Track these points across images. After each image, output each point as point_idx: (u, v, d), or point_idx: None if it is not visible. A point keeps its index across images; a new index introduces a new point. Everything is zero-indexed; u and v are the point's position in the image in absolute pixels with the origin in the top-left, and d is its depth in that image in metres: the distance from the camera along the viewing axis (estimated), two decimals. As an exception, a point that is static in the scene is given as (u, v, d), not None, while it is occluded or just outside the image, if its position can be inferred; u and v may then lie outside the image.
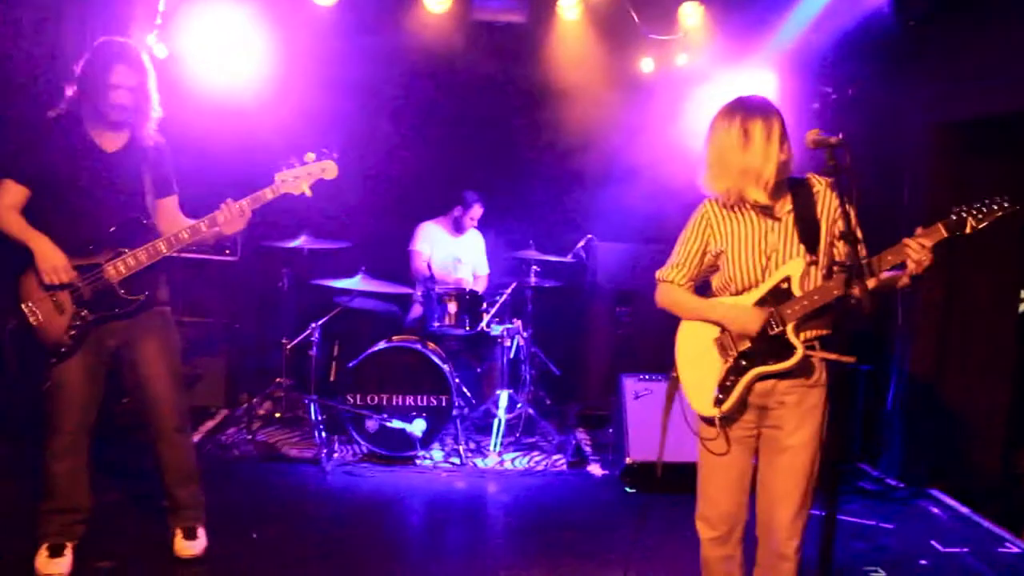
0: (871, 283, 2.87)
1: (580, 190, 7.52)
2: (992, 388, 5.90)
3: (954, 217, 2.86)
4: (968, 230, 2.86)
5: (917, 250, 2.83)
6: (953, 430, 5.84)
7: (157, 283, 3.90)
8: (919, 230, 2.89)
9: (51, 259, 3.61)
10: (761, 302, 3.05)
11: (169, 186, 3.97)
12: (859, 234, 2.95)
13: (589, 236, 6.88)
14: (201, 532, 4.12)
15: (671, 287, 3.26)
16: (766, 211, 3.06)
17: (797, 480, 3.04)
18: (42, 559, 3.76)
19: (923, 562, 4.61)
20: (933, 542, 4.85)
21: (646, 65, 6.99)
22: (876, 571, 4.36)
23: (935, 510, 5.47)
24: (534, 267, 6.55)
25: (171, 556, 4.06)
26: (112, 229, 3.72)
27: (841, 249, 2.90)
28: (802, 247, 3.02)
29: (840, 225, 2.89)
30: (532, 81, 7.16)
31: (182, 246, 3.80)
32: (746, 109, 2.99)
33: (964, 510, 5.40)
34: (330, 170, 3.97)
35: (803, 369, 3.02)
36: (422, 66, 7.18)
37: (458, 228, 6.96)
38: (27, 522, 3.84)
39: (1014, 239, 5.62)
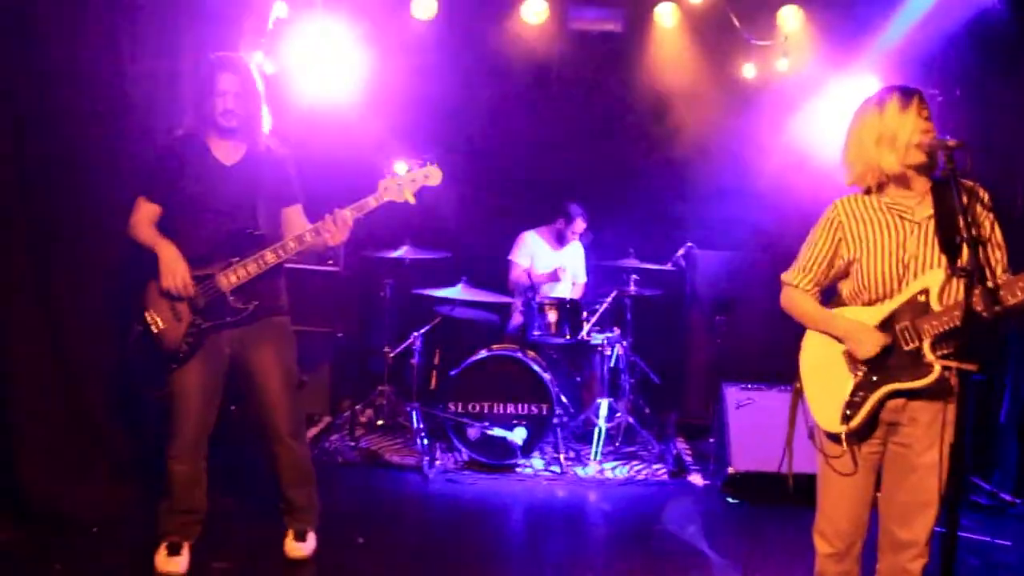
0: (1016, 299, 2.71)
1: (680, 198, 7.46)
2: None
3: None
4: None
5: None
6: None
7: (271, 292, 3.99)
8: None
9: (173, 265, 3.76)
10: (896, 314, 2.89)
11: (292, 195, 4.07)
12: (999, 240, 2.89)
13: (689, 244, 6.84)
14: (311, 535, 4.21)
15: (795, 292, 3.15)
16: (904, 214, 2.93)
17: (928, 499, 2.91)
18: (161, 557, 3.90)
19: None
20: (1053, 559, 4.67)
21: (747, 71, 6.91)
22: None
23: (1055, 526, 5.27)
24: (634, 276, 6.53)
25: (282, 558, 4.15)
26: (224, 240, 3.84)
27: (965, 254, 2.75)
28: (943, 256, 2.86)
29: (975, 232, 2.69)
30: (631, 89, 7.16)
31: (289, 255, 3.89)
32: (883, 89, 2.99)
33: (1086, 526, 5.18)
34: (433, 176, 4.01)
35: (938, 385, 2.86)
36: (521, 76, 7.24)
37: (560, 240, 7.00)
38: (151, 522, 3.99)
39: None
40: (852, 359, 2.97)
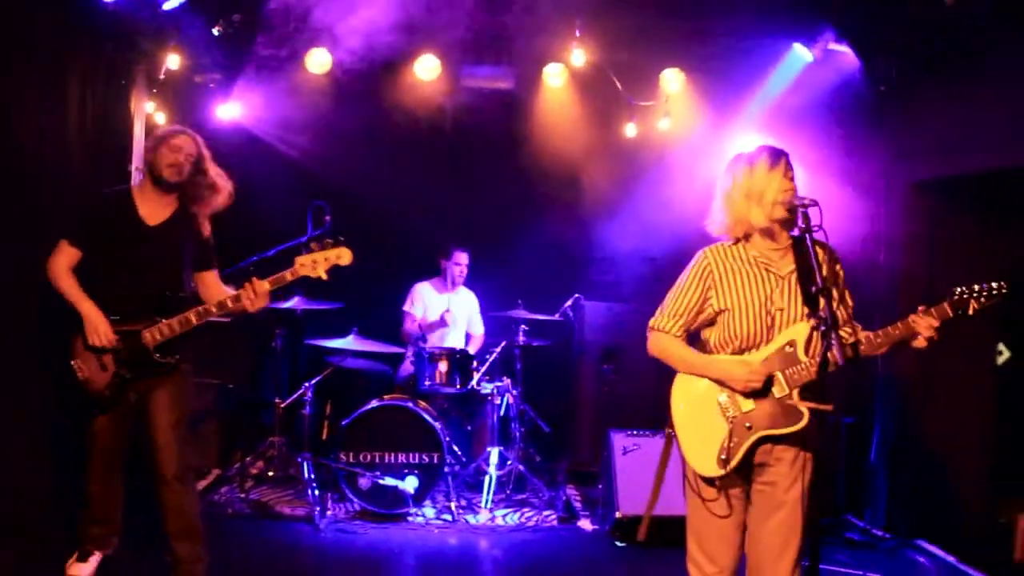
0: (881, 350, 3.03)
1: (567, 249, 7.69)
2: (974, 437, 5.98)
3: (956, 298, 2.94)
4: (971, 311, 2.93)
5: (927, 328, 2.94)
6: (937, 480, 5.93)
7: (187, 347, 4.21)
8: (922, 308, 2.98)
9: (97, 325, 4.02)
10: (766, 364, 3.07)
11: (209, 261, 4.34)
12: (846, 294, 3.17)
13: (576, 295, 7.03)
14: None
15: (666, 338, 3.23)
16: (771, 268, 3.12)
17: (794, 533, 3.08)
18: (71, 562, 4.26)
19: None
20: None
21: (629, 130, 7.20)
22: None
23: (922, 559, 5.56)
24: (523, 326, 6.68)
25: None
26: (150, 299, 4.09)
27: (845, 295, 3.07)
28: (805, 309, 3.06)
29: (829, 285, 2.97)
30: (521, 145, 7.35)
31: (210, 318, 4.11)
32: (756, 149, 3.17)
33: (950, 559, 5.47)
34: (344, 257, 4.19)
35: (805, 429, 3.05)
36: (413, 130, 7.38)
37: (446, 282, 7.09)
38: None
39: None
40: (724, 407, 3.11)
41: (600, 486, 6.15)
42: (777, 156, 3.14)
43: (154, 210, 4.19)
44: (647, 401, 6.98)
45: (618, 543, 5.58)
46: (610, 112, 7.21)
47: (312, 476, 6.01)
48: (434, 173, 7.71)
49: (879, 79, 6.02)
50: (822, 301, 2.90)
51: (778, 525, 3.10)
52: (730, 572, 3.21)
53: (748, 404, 3.09)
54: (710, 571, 3.21)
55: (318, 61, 6.78)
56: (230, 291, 4.23)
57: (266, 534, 5.51)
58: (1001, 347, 6.18)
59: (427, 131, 7.45)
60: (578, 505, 6.39)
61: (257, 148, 7.32)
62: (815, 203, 2.97)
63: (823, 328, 2.86)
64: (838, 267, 3.18)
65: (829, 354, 2.87)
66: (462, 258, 7.04)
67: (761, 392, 3.07)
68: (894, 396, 6.07)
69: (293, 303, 6.28)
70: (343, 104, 7.17)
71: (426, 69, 6.87)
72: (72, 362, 4.09)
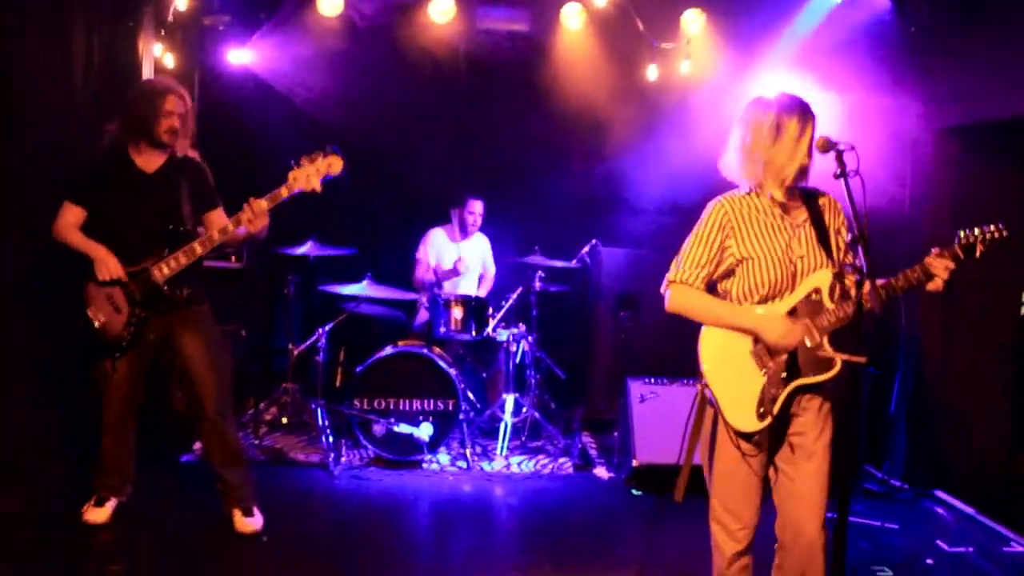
0: (899, 293, 2.95)
1: (585, 195, 7.56)
2: (994, 389, 5.93)
3: (964, 242, 2.90)
4: (977, 254, 2.90)
5: (944, 270, 2.90)
6: (957, 432, 5.87)
7: (197, 282, 4.37)
8: (935, 250, 2.93)
9: (105, 260, 4.16)
10: (792, 312, 3.02)
11: (213, 200, 4.45)
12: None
13: (594, 241, 6.92)
14: (257, 510, 4.53)
15: (689, 290, 3.11)
16: (786, 216, 3.06)
17: (825, 482, 3.04)
18: (89, 507, 4.41)
19: (929, 561, 4.64)
20: (939, 542, 4.88)
21: (651, 72, 7.03)
22: (883, 571, 4.37)
23: (940, 510, 5.52)
24: (539, 272, 6.59)
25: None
26: (155, 238, 4.22)
27: (842, 246, 2.99)
28: (825, 256, 3.03)
29: (844, 234, 2.99)
30: (537, 88, 7.20)
31: (215, 245, 4.22)
32: (784, 105, 3.01)
33: (968, 510, 5.43)
34: (335, 164, 4.26)
35: (836, 378, 3.02)
36: (428, 74, 7.23)
37: (462, 230, 6.99)
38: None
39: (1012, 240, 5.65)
40: (760, 358, 3.04)
41: (616, 434, 6.11)
42: (804, 119, 2.99)
43: (149, 159, 4.32)
44: (665, 349, 6.89)
45: (634, 491, 5.56)
46: (631, 54, 7.00)
47: (326, 423, 5.99)
48: (450, 117, 7.58)
49: (911, 21, 5.83)
50: (836, 249, 2.89)
51: (812, 475, 3.05)
52: (753, 528, 3.16)
53: (783, 354, 3.02)
54: (735, 527, 3.14)
55: (331, 3, 6.60)
56: None
57: (280, 481, 5.49)
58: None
59: (442, 75, 7.29)
60: (594, 453, 6.36)
61: (269, 93, 7.21)
62: (852, 147, 2.85)
63: (859, 277, 2.78)
64: (841, 216, 3.13)
65: (864, 301, 2.79)
66: (476, 207, 6.92)
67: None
68: (916, 349, 5.99)
69: (306, 248, 6.21)
70: (357, 48, 7.04)
71: (441, 11, 6.69)
72: (88, 311, 4.22)
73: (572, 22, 6.85)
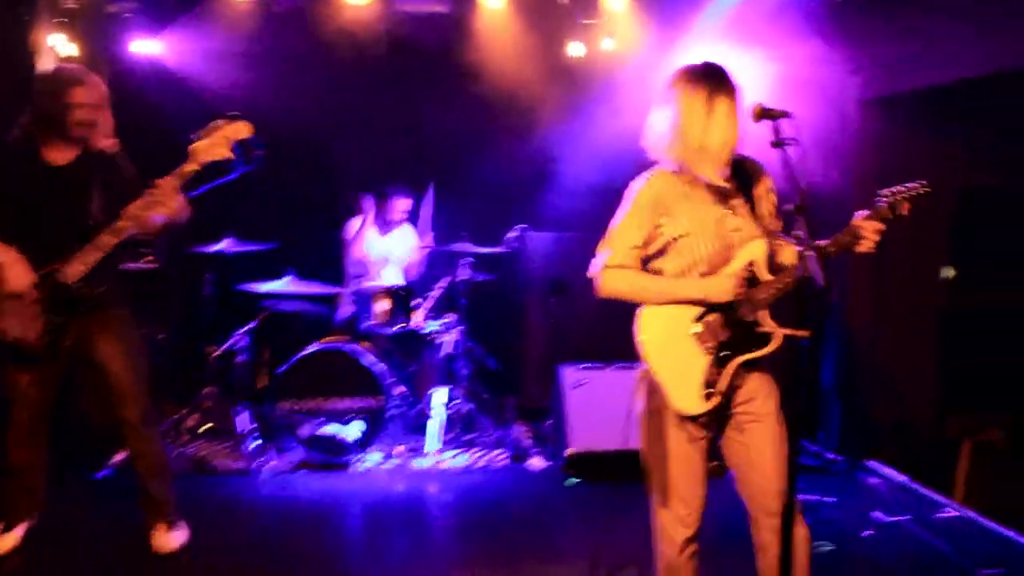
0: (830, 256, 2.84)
1: (513, 178, 7.39)
2: (922, 352, 5.98)
3: (888, 199, 2.83)
4: (904, 211, 2.83)
5: (874, 232, 2.82)
6: (887, 398, 5.91)
7: (115, 278, 4.09)
8: (861, 212, 2.85)
9: (12, 267, 3.82)
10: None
11: (133, 193, 3.98)
12: (776, 211, 3.01)
13: (522, 225, 6.73)
14: (181, 524, 4.28)
15: (623, 272, 2.97)
16: (717, 188, 2.94)
17: (780, 446, 2.91)
18: None
19: (867, 533, 4.65)
20: (875, 513, 4.88)
21: (575, 49, 6.88)
22: (825, 545, 4.35)
23: (874, 481, 5.56)
24: (468, 260, 6.42)
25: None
26: (63, 235, 3.90)
27: (773, 211, 2.88)
28: (758, 227, 2.93)
29: (774, 199, 2.89)
30: (461, 70, 7.00)
31: (127, 234, 3.90)
32: (714, 81, 2.88)
33: (902, 479, 5.48)
34: (243, 129, 3.98)
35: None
36: (346, 60, 6.97)
37: (385, 225, 6.78)
38: None
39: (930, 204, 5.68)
40: (701, 339, 2.92)
41: (550, 422, 6.00)
42: (729, 93, 2.87)
43: (60, 153, 4.00)
44: (597, 332, 6.82)
45: (570, 480, 5.45)
46: (554, 31, 6.87)
47: (250, 427, 5.77)
48: (370, 103, 7.34)
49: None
50: (770, 219, 2.78)
51: (767, 437, 2.93)
52: (701, 512, 3.03)
53: (723, 331, 2.91)
54: (684, 512, 3.00)
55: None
56: None
57: (204, 491, 5.26)
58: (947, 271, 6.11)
59: (362, 60, 7.01)
60: (529, 443, 6.22)
61: (179, 83, 6.88)
62: (788, 114, 2.73)
63: (801, 247, 2.68)
64: (769, 183, 3.03)
65: (806, 273, 2.70)
66: (401, 204, 6.70)
67: (733, 318, 2.90)
68: (845, 320, 6.00)
69: (223, 245, 5.96)
70: (271, 35, 6.77)
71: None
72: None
73: (492, 2, 6.69)
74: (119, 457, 5.33)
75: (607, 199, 6.38)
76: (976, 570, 4.17)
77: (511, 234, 6.61)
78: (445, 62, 7.09)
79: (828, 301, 5.89)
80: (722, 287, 2.89)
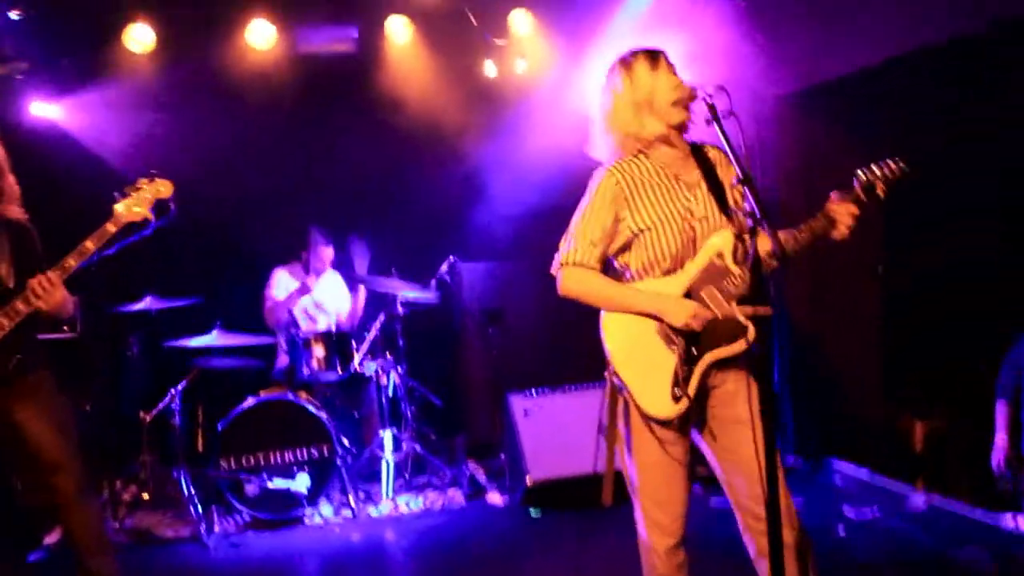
0: (804, 244, 2.78)
1: (439, 210, 7.25)
2: (865, 352, 5.98)
3: (865, 182, 2.76)
4: (880, 193, 2.75)
5: (848, 216, 2.75)
6: (836, 395, 5.95)
7: (29, 346, 3.77)
8: (835, 195, 2.78)
9: None
10: (698, 281, 2.78)
11: (37, 265, 3.78)
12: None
13: (451, 258, 6.56)
14: None
15: (584, 272, 2.86)
16: (679, 177, 2.85)
17: (759, 444, 2.65)
18: None
19: (841, 533, 4.62)
20: (844, 509, 4.88)
21: (489, 69, 6.81)
22: None
23: (837, 479, 5.55)
24: (400, 296, 6.23)
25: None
26: None
27: (739, 199, 2.69)
28: (724, 216, 2.81)
29: (738, 187, 2.66)
30: (375, 106, 6.85)
31: (38, 304, 3.65)
32: (650, 50, 2.88)
33: (863, 474, 5.49)
34: (165, 188, 3.90)
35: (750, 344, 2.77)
36: (257, 106, 6.76)
37: (311, 272, 6.53)
38: None
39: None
40: (668, 336, 2.79)
41: (503, 455, 5.84)
42: (655, 55, 2.87)
43: None
44: (539, 359, 6.73)
45: (532, 512, 5.30)
46: (467, 55, 6.79)
47: (192, 491, 5.48)
48: (283, 150, 7.13)
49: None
50: (746, 192, 2.56)
51: (746, 441, 2.72)
52: (684, 519, 2.90)
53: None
54: (666, 521, 2.87)
55: (137, 38, 6.11)
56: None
57: (150, 562, 4.97)
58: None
59: (274, 105, 6.82)
60: (483, 479, 6.06)
61: (79, 143, 6.62)
62: (721, 88, 2.64)
63: (752, 222, 2.53)
64: (733, 168, 2.83)
65: (764, 251, 2.61)
66: (329, 253, 6.49)
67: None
68: (788, 323, 6.00)
69: (146, 303, 5.67)
70: (177, 86, 6.56)
71: (261, 38, 6.28)
72: None
73: (398, 36, 6.58)
74: (53, 537, 5.01)
75: (536, 223, 6.36)
76: (948, 550, 4.21)
77: (441, 268, 6.43)
78: (359, 99, 6.95)
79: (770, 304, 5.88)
80: (677, 310, 2.76)
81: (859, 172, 2.78)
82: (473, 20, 6.47)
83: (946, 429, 5.50)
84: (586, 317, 3.00)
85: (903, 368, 5.83)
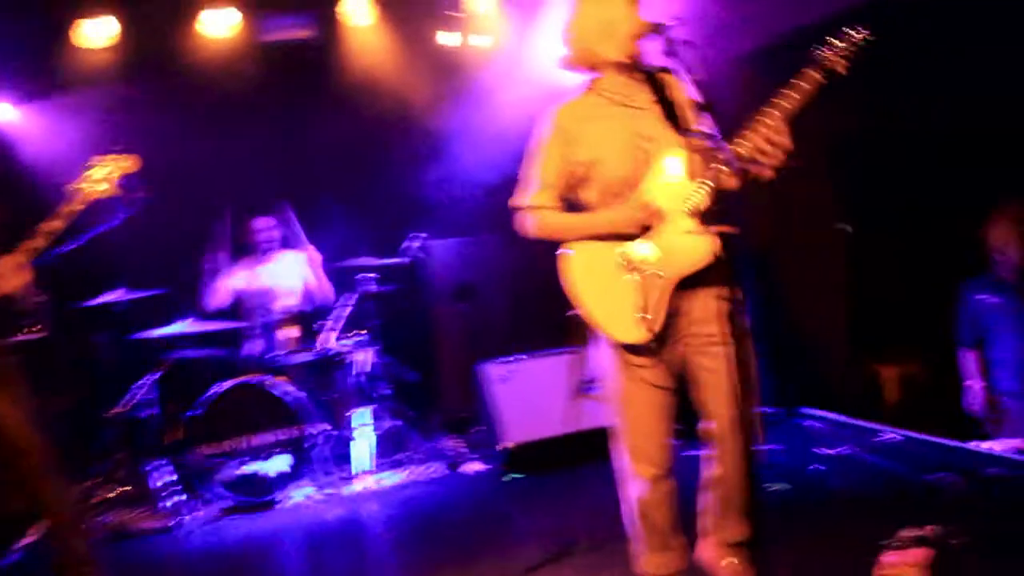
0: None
1: (406, 188, 7.20)
2: (832, 302, 6.09)
3: (823, 60, 2.64)
4: (842, 70, 2.65)
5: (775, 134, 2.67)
6: (805, 343, 6.02)
7: None
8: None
9: None
10: (656, 199, 2.79)
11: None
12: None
13: (420, 234, 6.52)
14: None
15: (543, 213, 2.95)
16: (630, 100, 2.87)
17: (745, 369, 2.66)
18: None
19: (816, 466, 4.72)
20: (819, 449, 4.94)
21: (447, 39, 6.79)
22: (780, 485, 4.39)
23: (810, 424, 5.61)
24: (371, 274, 6.20)
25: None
26: None
27: (694, 118, 2.73)
28: (677, 135, 2.82)
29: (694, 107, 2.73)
30: (337, 88, 6.82)
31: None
32: None
33: (836, 416, 5.56)
34: (131, 163, 3.86)
35: (715, 258, 2.76)
36: (219, 96, 6.70)
37: (258, 252, 6.44)
38: None
39: (822, 146, 5.77)
40: (627, 263, 2.80)
41: (482, 427, 5.83)
42: None
43: None
44: (512, 332, 6.72)
45: (511, 475, 5.30)
46: (424, 25, 6.78)
47: (168, 481, 5.44)
48: (247, 136, 7.04)
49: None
50: (702, 117, 2.59)
51: (718, 361, 2.78)
52: (670, 449, 2.92)
53: (653, 252, 2.78)
54: (651, 448, 2.89)
55: (90, 32, 6.04)
56: None
57: (129, 556, 4.90)
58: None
59: (236, 93, 6.76)
60: (463, 449, 6.05)
61: (42, 147, 6.53)
62: (677, 20, 2.66)
63: (710, 143, 2.57)
64: (686, 89, 2.92)
65: (721, 168, 2.61)
66: (260, 224, 6.41)
67: (660, 236, 2.78)
68: (753, 274, 6.01)
69: (114, 296, 5.62)
70: (138, 80, 6.49)
71: (223, 26, 6.23)
72: None
73: (357, 15, 6.53)
74: (25, 541, 4.95)
75: (501, 197, 6.33)
76: (922, 476, 4.27)
77: (411, 243, 6.41)
78: (321, 82, 6.91)
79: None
80: (627, 217, 2.80)
81: (817, 51, 2.67)
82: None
83: (917, 380, 5.57)
84: (558, 287, 3.01)
85: (866, 319, 5.91)
